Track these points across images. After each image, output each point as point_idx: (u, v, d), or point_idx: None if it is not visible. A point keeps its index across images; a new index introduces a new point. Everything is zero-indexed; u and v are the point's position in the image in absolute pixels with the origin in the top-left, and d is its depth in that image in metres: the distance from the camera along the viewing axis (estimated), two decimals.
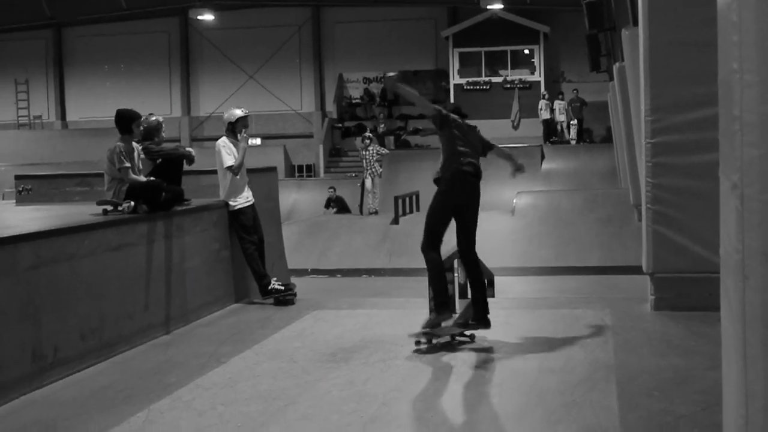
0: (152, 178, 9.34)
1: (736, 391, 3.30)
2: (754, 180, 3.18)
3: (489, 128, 35.16)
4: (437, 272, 7.76)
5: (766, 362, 3.18)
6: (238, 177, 10.28)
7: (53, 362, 7.08)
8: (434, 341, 7.68)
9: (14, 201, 13.12)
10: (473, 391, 6.38)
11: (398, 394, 6.36)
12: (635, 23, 11.45)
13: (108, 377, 7.20)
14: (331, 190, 27.31)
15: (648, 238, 8.78)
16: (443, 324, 7.80)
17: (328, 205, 26.97)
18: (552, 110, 33.91)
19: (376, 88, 39.72)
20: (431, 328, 7.70)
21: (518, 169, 8.43)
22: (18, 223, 8.96)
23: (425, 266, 7.81)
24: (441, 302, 7.73)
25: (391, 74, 8.57)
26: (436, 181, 7.96)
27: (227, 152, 10.21)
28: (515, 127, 34.51)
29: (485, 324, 7.83)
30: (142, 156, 9.57)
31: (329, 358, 7.47)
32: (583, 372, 6.74)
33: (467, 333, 7.88)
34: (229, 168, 10.19)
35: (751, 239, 3.20)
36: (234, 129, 10.36)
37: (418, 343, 7.65)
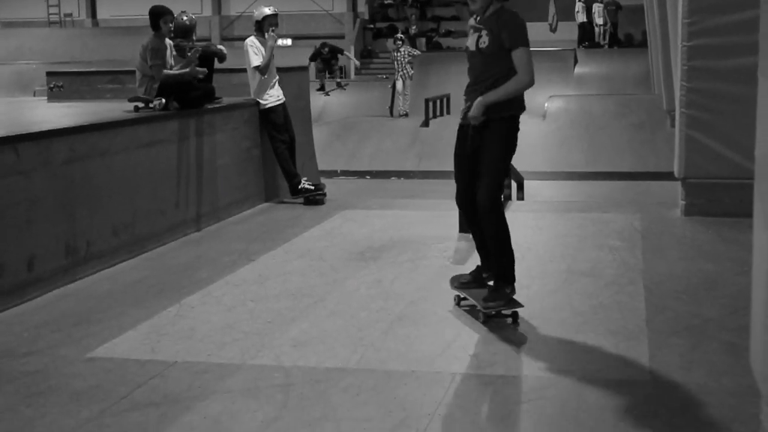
0: (186, 70, 9.26)
1: (764, 293, 3.31)
2: None
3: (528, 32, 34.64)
4: (507, 233, 5.69)
5: None
6: (266, 76, 10.23)
7: (86, 256, 7.17)
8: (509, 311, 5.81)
9: (46, 98, 13.14)
10: None
11: (426, 294, 6.41)
12: None
13: (140, 272, 7.29)
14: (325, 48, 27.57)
15: (681, 143, 8.71)
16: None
17: (315, 58, 27.35)
18: (590, 13, 33.33)
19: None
20: (503, 305, 5.71)
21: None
22: (51, 119, 9.00)
23: (488, 221, 5.67)
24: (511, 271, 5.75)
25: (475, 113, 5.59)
26: (505, 119, 5.65)
27: (254, 52, 10.14)
28: (553, 30, 33.98)
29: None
30: (174, 53, 9.52)
31: (358, 257, 7.52)
32: (611, 275, 6.75)
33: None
34: (256, 68, 10.14)
35: None
36: (262, 28, 10.28)
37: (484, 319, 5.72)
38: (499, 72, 5.58)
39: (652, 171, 16.55)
